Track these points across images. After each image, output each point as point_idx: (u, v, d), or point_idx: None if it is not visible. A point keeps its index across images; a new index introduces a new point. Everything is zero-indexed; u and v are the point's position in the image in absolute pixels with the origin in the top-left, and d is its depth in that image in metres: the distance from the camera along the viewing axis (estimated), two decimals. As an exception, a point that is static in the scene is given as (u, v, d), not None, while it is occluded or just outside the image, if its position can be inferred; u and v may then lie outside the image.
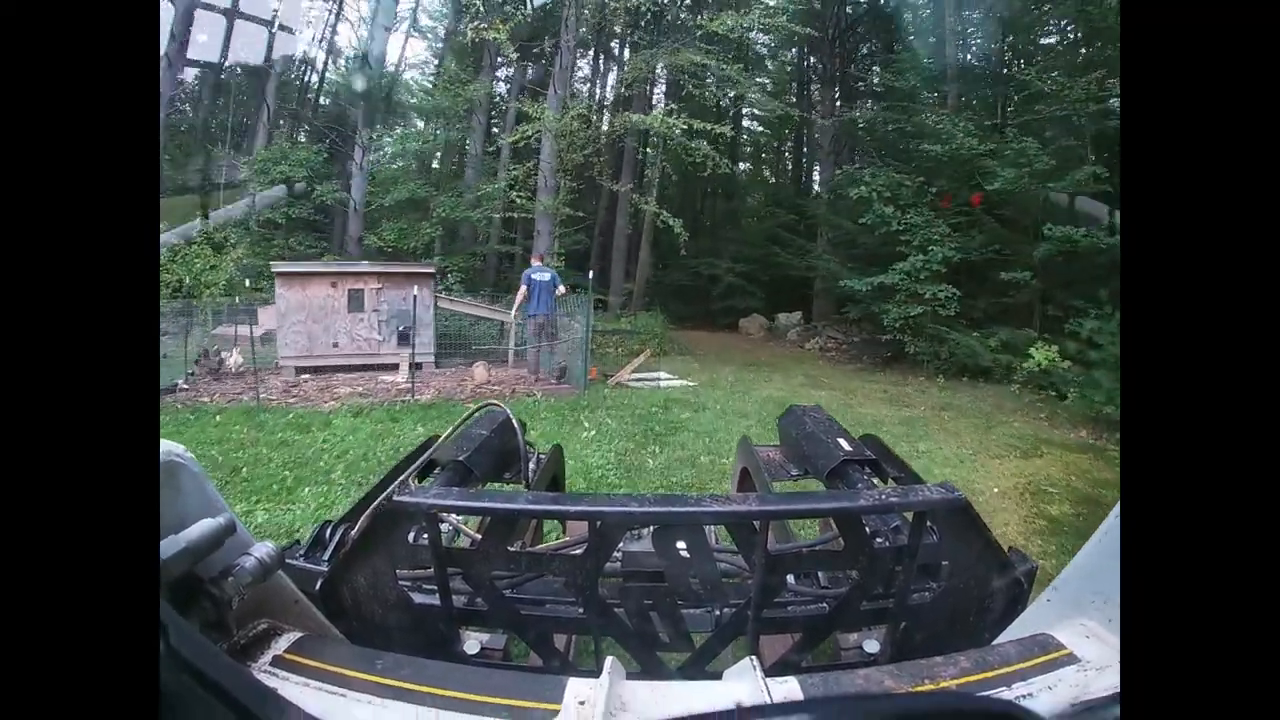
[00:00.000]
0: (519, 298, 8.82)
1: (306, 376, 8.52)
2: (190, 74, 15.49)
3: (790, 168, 24.25)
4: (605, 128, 13.65)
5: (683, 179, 20.85)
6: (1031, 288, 10.56)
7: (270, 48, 15.98)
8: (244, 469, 4.73)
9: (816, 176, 21.49)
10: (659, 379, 9.54)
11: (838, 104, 18.31)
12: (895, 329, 11.33)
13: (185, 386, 7.52)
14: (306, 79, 18.50)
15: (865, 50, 18.83)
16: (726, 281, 17.77)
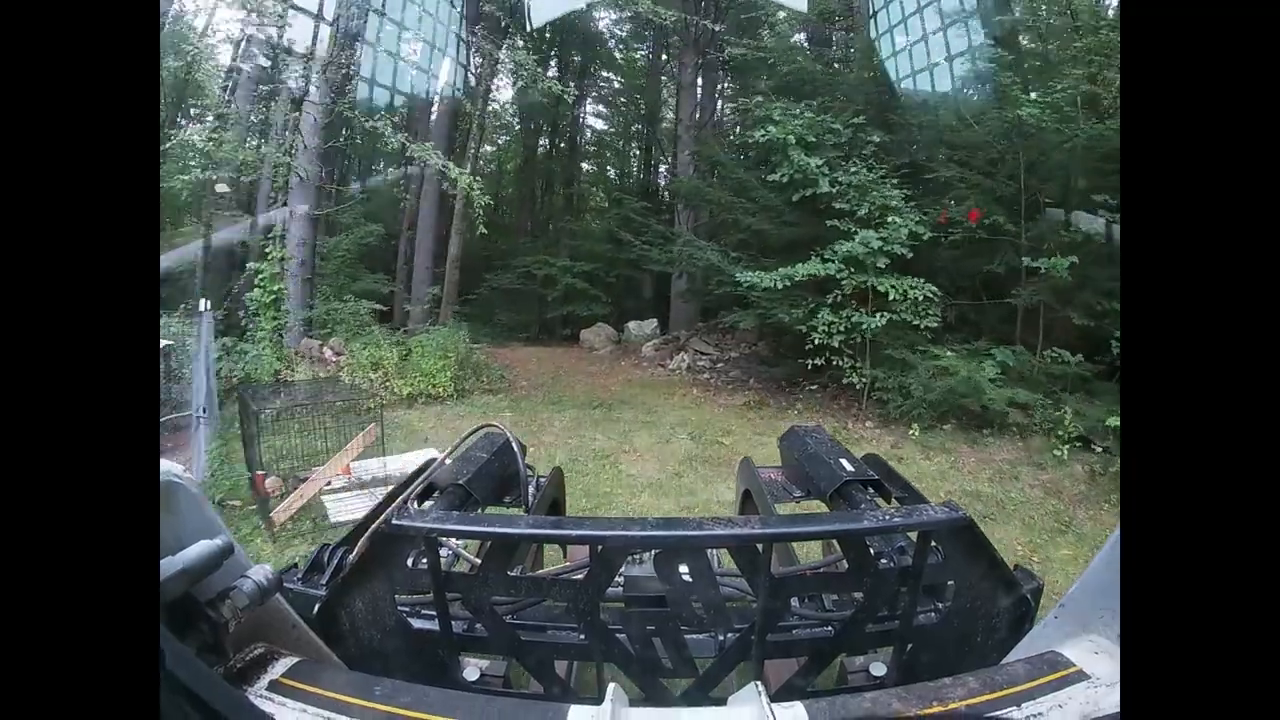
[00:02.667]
0: None
1: None
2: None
3: (639, 169, 25.33)
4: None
5: (519, 169, 21.65)
6: (1059, 282, 8.62)
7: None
8: None
9: (664, 171, 22.53)
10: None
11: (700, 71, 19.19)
12: (831, 348, 9.67)
13: None
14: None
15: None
16: (564, 284, 17.91)
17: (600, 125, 24.36)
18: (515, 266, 18.50)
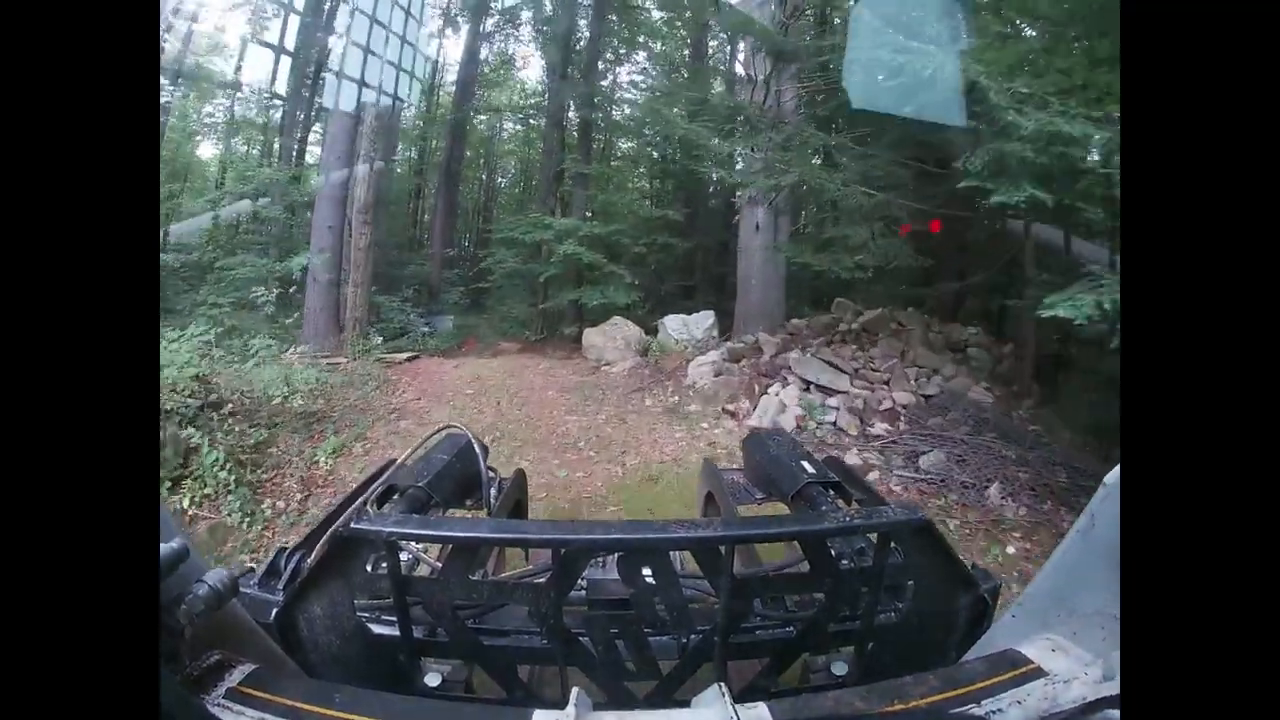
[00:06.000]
0: None
1: None
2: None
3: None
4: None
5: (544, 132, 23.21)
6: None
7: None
8: None
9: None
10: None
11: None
12: None
13: None
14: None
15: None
16: (563, 253, 16.94)
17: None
18: (499, 237, 18.46)
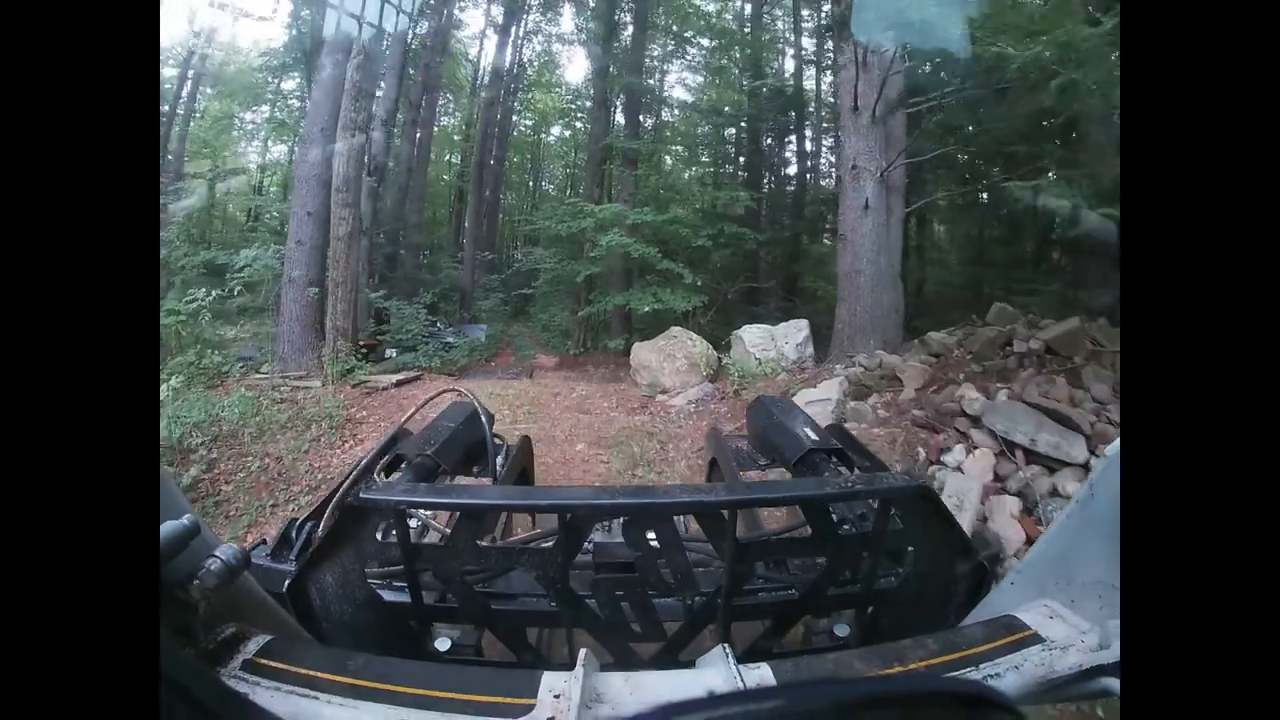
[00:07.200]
0: None
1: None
2: None
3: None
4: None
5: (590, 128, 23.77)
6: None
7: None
8: None
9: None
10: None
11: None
12: None
13: None
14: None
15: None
16: (606, 245, 16.46)
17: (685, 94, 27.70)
18: (537, 228, 18.69)
